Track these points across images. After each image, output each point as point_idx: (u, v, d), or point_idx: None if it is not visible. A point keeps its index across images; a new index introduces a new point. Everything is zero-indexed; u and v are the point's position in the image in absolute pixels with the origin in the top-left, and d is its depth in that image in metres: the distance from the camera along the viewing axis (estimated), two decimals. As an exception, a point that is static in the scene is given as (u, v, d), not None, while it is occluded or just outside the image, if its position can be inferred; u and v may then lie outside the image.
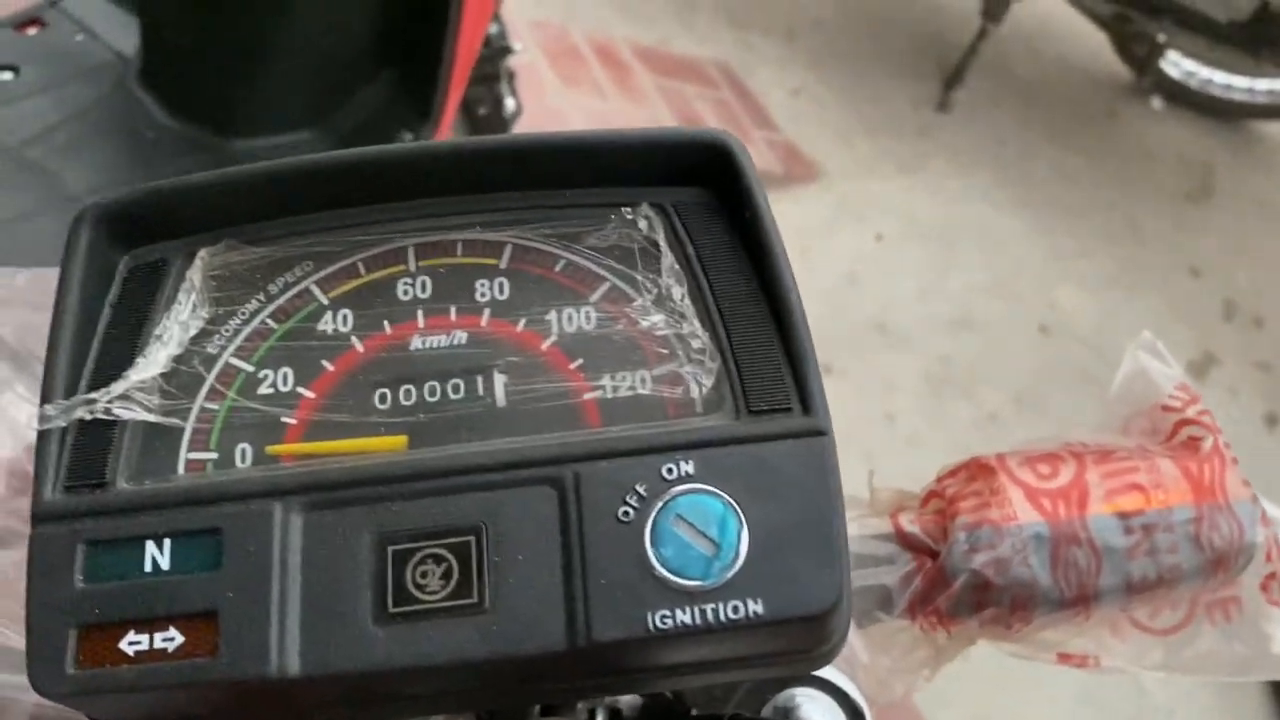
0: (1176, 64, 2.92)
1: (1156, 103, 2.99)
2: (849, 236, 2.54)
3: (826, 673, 0.53)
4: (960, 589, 0.54)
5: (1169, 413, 0.60)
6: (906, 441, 2.19)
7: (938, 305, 2.48)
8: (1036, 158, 2.85)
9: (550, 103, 2.45)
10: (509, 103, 1.91)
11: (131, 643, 0.35)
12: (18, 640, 0.47)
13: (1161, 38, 2.72)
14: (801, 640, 0.36)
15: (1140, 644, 0.60)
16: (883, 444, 2.18)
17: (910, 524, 0.57)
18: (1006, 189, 2.75)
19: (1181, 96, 2.96)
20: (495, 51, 1.84)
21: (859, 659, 0.56)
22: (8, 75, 1.33)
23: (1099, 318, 2.54)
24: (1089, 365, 2.42)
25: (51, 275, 0.57)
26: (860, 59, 3.00)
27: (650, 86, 2.66)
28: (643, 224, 0.41)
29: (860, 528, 0.56)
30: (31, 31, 1.40)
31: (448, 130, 1.50)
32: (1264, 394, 2.43)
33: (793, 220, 2.54)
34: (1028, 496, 0.56)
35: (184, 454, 0.39)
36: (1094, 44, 3.01)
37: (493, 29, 1.82)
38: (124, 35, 1.40)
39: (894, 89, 2.93)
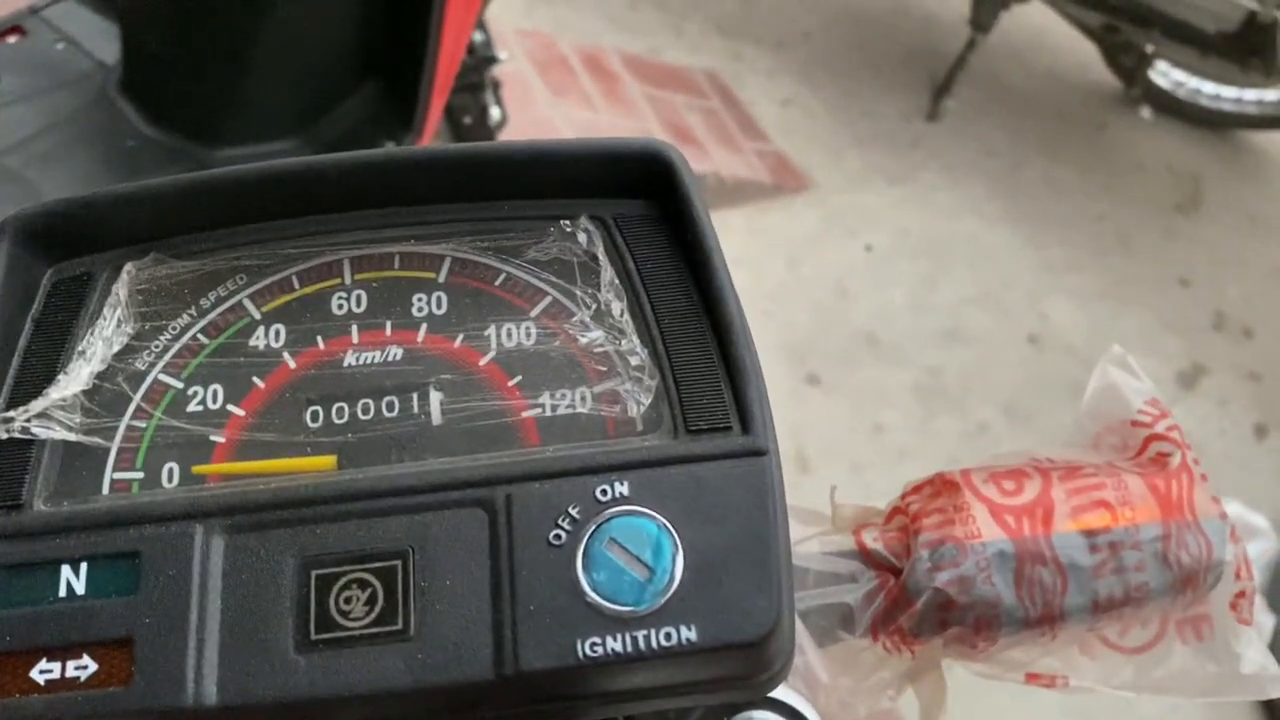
0: (1165, 74, 2.92)
1: (1145, 113, 2.99)
2: (839, 248, 2.53)
3: (785, 694, 0.52)
4: (923, 608, 0.53)
5: (1139, 428, 0.59)
6: (896, 453, 2.18)
7: (927, 317, 2.47)
8: (1026, 169, 2.84)
9: (538, 113, 2.44)
10: (494, 112, 1.90)
11: (43, 671, 0.33)
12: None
13: (1150, 48, 2.72)
14: (740, 667, 0.34)
15: (1110, 662, 0.59)
16: (872, 456, 2.17)
17: (874, 541, 0.56)
18: (996, 201, 2.75)
19: (1170, 107, 2.96)
20: (480, 60, 1.84)
21: (819, 679, 0.55)
22: (-13, 84, 1.32)
23: (1089, 329, 2.53)
24: (1079, 377, 2.40)
25: None
26: (850, 70, 2.99)
27: (639, 96, 2.66)
28: (582, 237, 0.40)
29: (822, 544, 0.55)
30: (12, 40, 1.39)
31: (430, 139, 1.49)
32: (1254, 404, 2.43)
33: (782, 231, 2.53)
34: (992, 513, 0.55)
35: (109, 474, 0.38)
36: (1083, 54, 3.01)
37: (478, 37, 1.81)
38: (105, 44, 1.39)
39: (884, 100, 2.93)
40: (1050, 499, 0.54)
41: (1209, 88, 2.89)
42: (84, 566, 0.34)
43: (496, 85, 1.92)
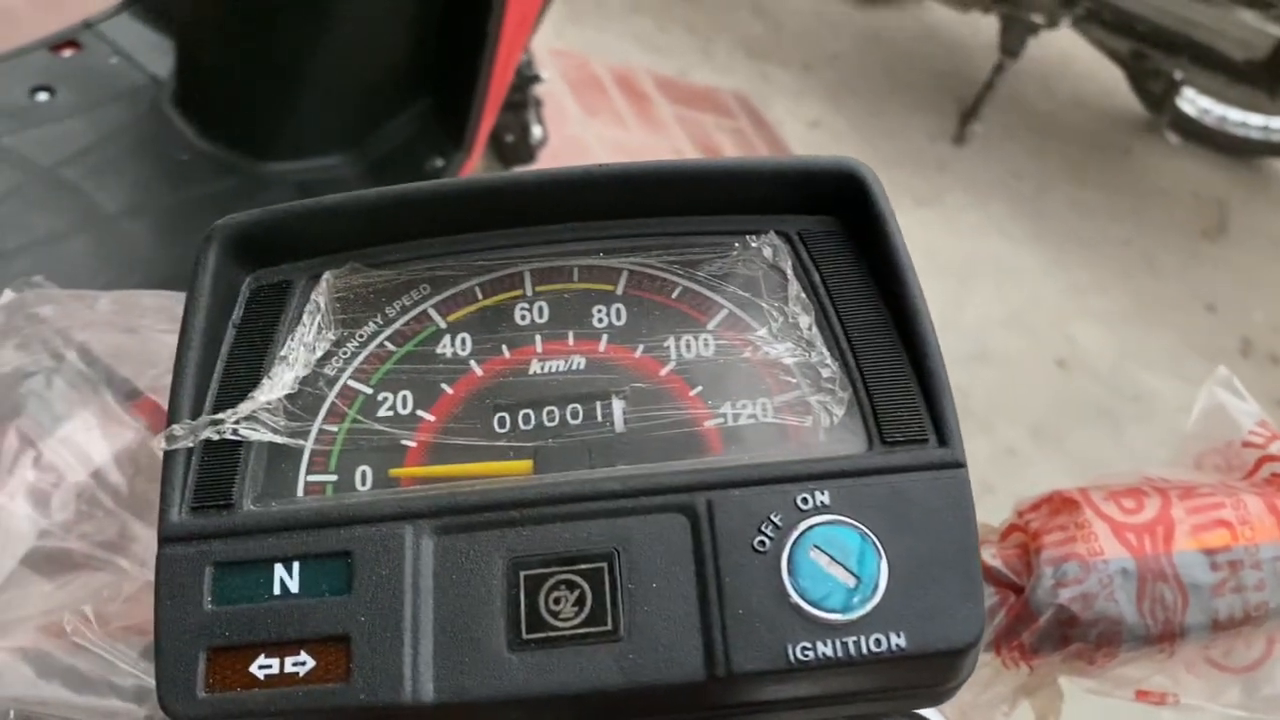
0: (1192, 101, 2.93)
1: (1172, 139, 3.01)
2: (866, 268, 2.53)
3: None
4: (1046, 624, 0.54)
5: (1250, 449, 0.60)
6: (926, 474, 2.18)
7: (954, 338, 2.48)
8: (1052, 192, 2.86)
9: (572, 131, 2.46)
10: (535, 130, 1.92)
11: (262, 666, 0.34)
12: (99, 664, 0.47)
13: (1178, 75, 2.74)
14: (939, 674, 0.35)
15: (1217, 681, 0.59)
16: (902, 476, 2.16)
17: (992, 558, 0.57)
18: (1023, 223, 2.76)
19: (1197, 133, 2.97)
20: (523, 80, 1.86)
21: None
22: (44, 96, 1.33)
23: (1115, 353, 2.54)
24: (1107, 400, 2.42)
25: (136, 298, 0.57)
26: (877, 92, 3.01)
27: (670, 116, 2.67)
28: (767, 252, 0.41)
29: (941, 561, 0.55)
30: (67, 54, 1.41)
31: (478, 158, 1.50)
32: (1281, 431, 2.42)
33: (811, 251, 2.54)
34: (1113, 531, 0.55)
35: (303, 476, 0.38)
36: (1110, 80, 3.03)
37: (522, 58, 1.83)
38: (159, 58, 1.41)
39: (910, 122, 2.95)
40: (1170, 517, 0.55)
41: (1236, 115, 2.90)
42: (297, 566, 0.35)
43: (538, 104, 1.94)
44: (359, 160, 1.41)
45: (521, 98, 1.89)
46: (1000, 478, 2.32)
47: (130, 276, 1.18)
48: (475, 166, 1.51)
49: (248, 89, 1.36)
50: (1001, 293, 2.60)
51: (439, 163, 1.41)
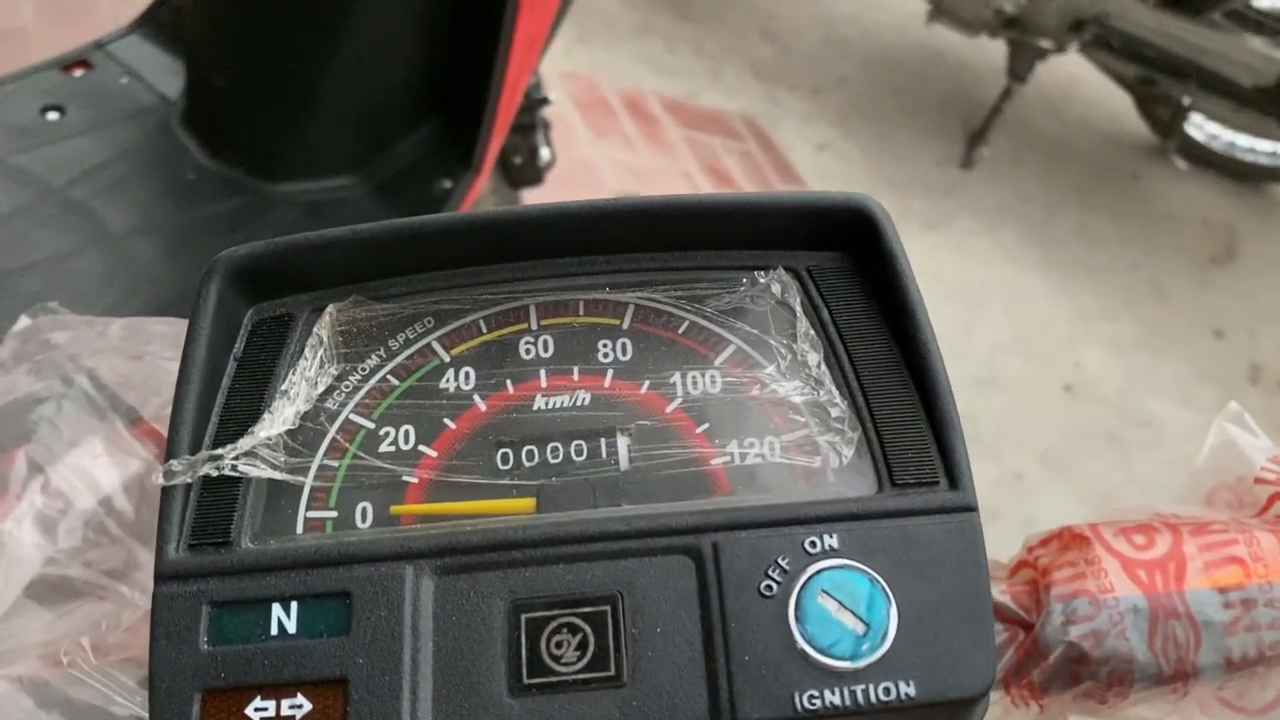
0: (1201, 126, 2.93)
1: (1180, 165, 3.00)
2: (874, 292, 2.53)
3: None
4: (1056, 662, 0.53)
5: (1262, 485, 0.59)
6: (932, 499, 2.17)
7: (962, 363, 2.47)
8: (1060, 217, 2.85)
9: (580, 153, 2.46)
10: (544, 153, 1.92)
11: (258, 709, 0.34)
12: (97, 695, 0.46)
13: (1186, 100, 2.74)
14: (947, 722, 0.35)
15: (1230, 723, 0.58)
16: (908, 501, 2.15)
17: (1001, 594, 0.56)
18: (1031, 248, 2.76)
19: (1205, 159, 2.97)
20: (532, 102, 1.86)
21: (952, 733, 0.55)
22: (54, 115, 1.34)
23: (1124, 378, 2.53)
24: (1115, 426, 2.41)
25: (146, 325, 0.57)
26: (885, 116, 3.02)
27: (678, 138, 2.68)
28: (776, 288, 0.40)
29: (950, 597, 0.55)
30: (78, 73, 1.42)
31: (486, 179, 1.50)
32: (1291, 458, 2.41)
33: (818, 274, 2.53)
34: (1124, 568, 0.55)
35: (303, 512, 0.38)
36: (1118, 105, 3.03)
37: (530, 80, 1.84)
38: (169, 79, 1.41)
39: (918, 147, 2.95)
40: (1183, 554, 0.54)
41: (1244, 141, 2.90)
42: (294, 605, 0.35)
43: (546, 126, 1.94)
44: (367, 181, 1.41)
45: (530, 119, 1.89)
46: (1007, 503, 2.31)
47: (138, 296, 1.18)
48: (483, 188, 1.51)
49: (257, 110, 1.37)
50: (1009, 318, 2.59)
51: (447, 184, 1.41)
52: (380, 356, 0.41)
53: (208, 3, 1.35)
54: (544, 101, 1.91)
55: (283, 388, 0.39)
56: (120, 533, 0.52)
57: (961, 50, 3.20)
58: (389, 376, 0.40)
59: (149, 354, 0.54)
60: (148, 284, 1.21)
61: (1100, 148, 3.08)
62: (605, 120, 2.61)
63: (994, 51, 2.92)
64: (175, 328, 0.53)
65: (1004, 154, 2.95)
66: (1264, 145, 2.89)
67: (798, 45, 3.19)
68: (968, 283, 2.63)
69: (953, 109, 3.06)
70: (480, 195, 1.51)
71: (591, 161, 2.46)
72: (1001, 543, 0.56)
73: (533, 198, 1.94)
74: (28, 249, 1.20)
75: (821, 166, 2.83)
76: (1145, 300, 2.72)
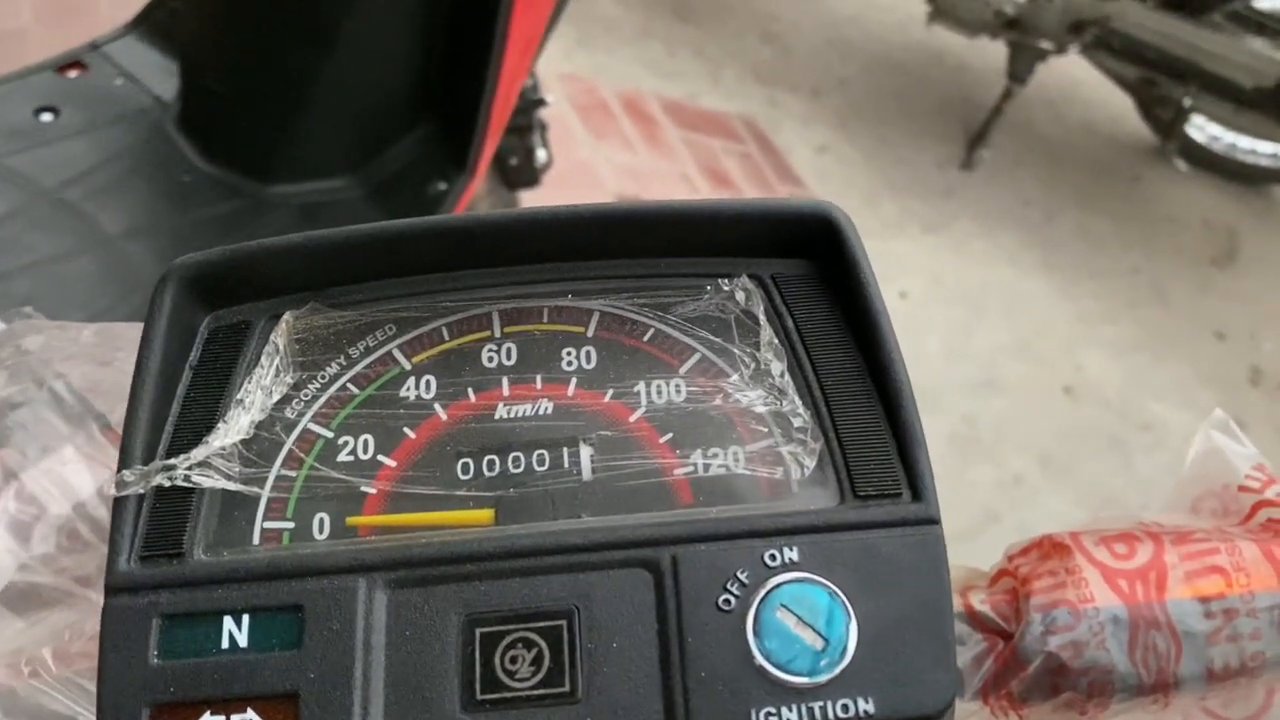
0: (1202, 128, 2.92)
1: (1181, 166, 2.99)
2: (873, 294, 2.52)
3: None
4: (1035, 672, 0.52)
5: (1246, 494, 0.59)
6: (931, 503, 2.16)
7: (962, 366, 2.46)
8: (1061, 219, 2.84)
9: (579, 155, 2.46)
10: (540, 154, 1.92)
11: (207, 724, 0.33)
12: (61, 704, 0.46)
13: (1187, 102, 2.73)
14: (910, 740, 0.34)
15: (1215, 733, 0.58)
16: (906, 504, 2.14)
17: (981, 603, 0.55)
18: (1031, 250, 2.75)
19: (1206, 161, 2.96)
20: (528, 104, 1.86)
21: (929, 744, 0.54)
22: (48, 117, 1.34)
23: (1124, 381, 2.52)
24: (1115, 429, 2.40)
25: (117, 330, 0.56)
26: (885, 118, 3.01)
27: (677, 140, 2.67)
28: (740, 295, 0.39)
29: (928, 607, 0.54)
30: (73, 74, 1.42)
31: (481, 181, 1.50)
32: (1292, 461, 2.40)
33: (817, 277, 2.52)
34: (1104, 577, 0.54)
35: (259, 523, 0.37)
36: (1119, 107, 3.02)
37: (526, 81, 1.83)
38: (163, 80, 1.41)
39: (919, 148, 2.94)
40: (1164, 563, 0.54)
41: (1245, 142, 2.89)
42: (246, 619, 0.34)
43: (543, 128, 1.94)
44: (362, 183, 1.41)
45: (526, 121, 1.89)
46: (1007, 507, 2.30)
47: (132, 299, 1.17)
48: (479, 190, 1.51)
49: (251, 112, 1.36)
50: (1010, 320, 2.58)
51: (442, 186, 1.41)
52: (339, 365, 0.40)
53: (202, 5, 1.35)
54: (540, 103, 1.91)
55: (238, 396, 0.38)
56: (93, 538, 0.52)
57: (962, 52, 3.20)
58: (348, 385, 0.40)
59: (118, 359, 0.53)
60: (142, 286, 1.21)
61: (1101, 150, 3.07)
62: (604, 122, 2.61)
63: (994, 53, 2.91)
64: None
65: (1004, 156, 2.95)
66: (1265, 147, 2.88)
67: (798, 47, 3.18)
68: (968, 285, 2.62)
69: (953, 111, 3.05)
70: (476, 197, 1.50)
71: (590, 163, 2.45)
72: (1001, 545, 0.56)
73: (530, 199, 1.93)
74: (20, 251, 1.20)
75: (822, 168, 2.82)
76: (1146, 302, 2.71)
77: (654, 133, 2.67)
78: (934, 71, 3.19)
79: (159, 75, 1.42)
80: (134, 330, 0.56)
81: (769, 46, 3.16)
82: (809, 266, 0.40)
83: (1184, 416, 2.44)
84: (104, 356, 0.54)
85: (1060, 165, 2.99)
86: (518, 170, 1.91)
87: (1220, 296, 2.75)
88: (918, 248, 2.68)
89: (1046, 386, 2.48)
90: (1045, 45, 2.73)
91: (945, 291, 2.59)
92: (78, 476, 0.53)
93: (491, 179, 1.89)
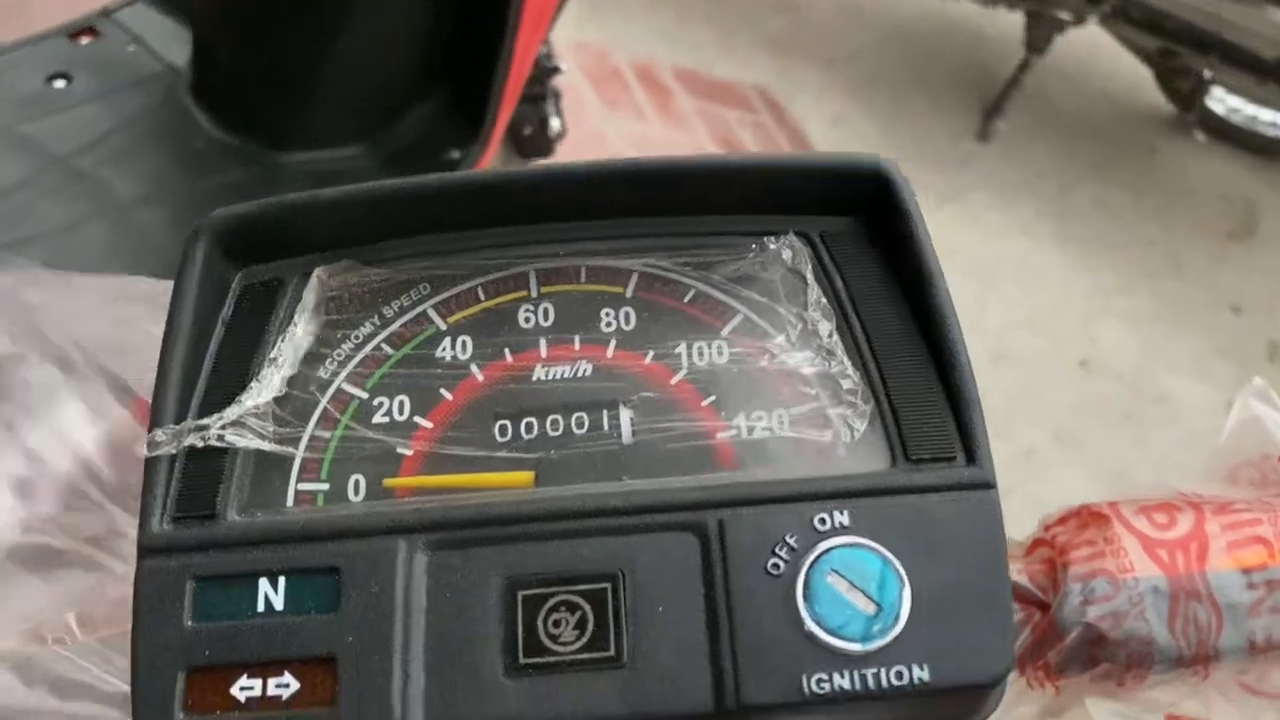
0: (1221, 100, 2.88)
1: (1200, 138, 2.96)
2: (887, 266, 2.51)
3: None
4: (1073, 643, 0.52)
5: (1287, 464, 0.58)
6: (944, 476, 2.16)
7: (976, 339, 2.43)
8: (1077, 191, 2.82)
9: (591, 124, 2.44)
10: (554, 123, 1.90)
11: (243, 688, 0.32)
12: (84, 671, 0.45)
13: (1207, 74, 2.70)
14: (963, 709, 0.33)
15: (1252, 708, 0.57)
16: (920, 478, 2.14)
17: (1018, 574, 0.54)
18: (1046, 222, 2.72)
19: (1225, 133, 2.92)
20: (542, 72, 1.84)
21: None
22: (61, 83, 1.33)
23: (1139, 354, 2.50)
24: (1130, 402, 2.38)
25: (125, 283, 0.55)
26: (900, 89, 2.98)
27: (691, 110, 2.65)
28: (787, 254, 0.38)
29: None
30: (85, 40, 1.41)
31: (496, 150, 1.49)
32: (1309, 436, 2.38)
33: (831, 248, 2.51)
34: (1144, 547, 0.53)
35: (294, 484, 0.37)
36: (1137, 78, 2.98)
37: (541, 49, 1.81)
38: (176, 47, 1.40)
39: (934, 119, 2.91)
40: (1205, 534, 0.53)
41: (1266, 115, 2.85)
42: (282, 581, 0.33)
43: (557, 96, 1.92)
44: (376, 152, 1.40)
45: (541, 90, 1.87)
46: (1020, 479, 2.29)
47: (144, 265, 1.16)
48: (492, 159, 1.50)
49: (264, 79, 1.35)
50: (1024, 293, 2.56)
51: (455, 154, 1.40)
52: (374, 324, 0.39)
53: (211, -29, 1.33)
54: (555, 71, 1.89)
55: (271, 355, 0.37)
56: (102, 498, 0.51)
57: (978, 22, 3.16)
58: (383, 345, 0.39)
59: (129, 316, 0.52)
60: (155, 253, 1.20)
61: (1119, 121, 3.04)
62: (617, 91, 2.59)
63: (1011, 23, 2.88)
64: (155, 287, 0.51)
65: (1021, 127, 2.91)
66: (1286, 119, 2.84)
67: (812, 16, 3.15)
68: (982, 257, 2.60)
69: (969, 82, 3.01)
70: (490, 166, 1.49)
71: (603, 132, 2.43)
72: (1011, 520, 0.55)
73: (543, 169, 1.91)
74: (34, 219, 1.19)
75: (836, 139, 2.79)
76: (1162, 275, 2.68)
77: (667, 102, 2.64)
78: (950, 42, 3.15)
79: (171, 42, 1.41)
80: (146, 285, 0.55)
81: (782, 16, 3.13)
82: (859, 224, 0.39)
83: (1200, 390, 2.42)
84: (114, 311, 0.52)
85: (1077, 137, 2.96)
86: (531, 140, 1.89)
87: (1238, 270, 2.72)
88: (932, 220, 2.57)
89: (1061, 359, 2.46)
90: (1063, 15, 2.70)
91: (960, 263, 2.56)
92: (84, 433, 0.52)
93: (505, 148, 1.87)
